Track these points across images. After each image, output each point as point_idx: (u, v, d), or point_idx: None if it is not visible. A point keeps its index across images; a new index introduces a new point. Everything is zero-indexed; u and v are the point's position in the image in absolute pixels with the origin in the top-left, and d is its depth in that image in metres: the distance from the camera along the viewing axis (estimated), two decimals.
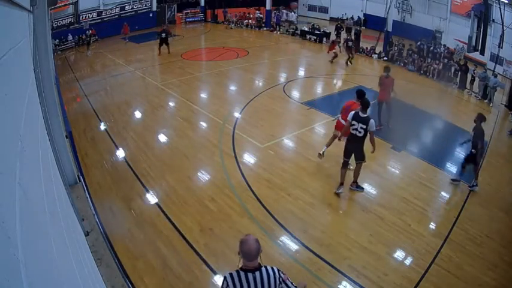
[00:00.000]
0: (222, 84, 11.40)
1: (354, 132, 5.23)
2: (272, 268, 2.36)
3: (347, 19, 21.16)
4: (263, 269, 2.32)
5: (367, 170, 6.37)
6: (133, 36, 17.78)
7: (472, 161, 5.83)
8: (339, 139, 6.05)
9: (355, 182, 5.60)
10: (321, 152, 6.18)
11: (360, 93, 5.85)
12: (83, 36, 17.14)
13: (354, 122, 5.19)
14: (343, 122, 5.92)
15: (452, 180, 6.04)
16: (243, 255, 2.31)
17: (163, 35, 14.14)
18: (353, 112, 5.24)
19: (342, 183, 5.53)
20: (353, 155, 5.44)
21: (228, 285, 2.28)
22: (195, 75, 12.04)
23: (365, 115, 5.15)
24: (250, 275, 2.29)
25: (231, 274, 2.31)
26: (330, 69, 13.65)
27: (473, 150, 5.74)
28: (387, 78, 7.71)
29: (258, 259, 2.31)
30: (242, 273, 2.30)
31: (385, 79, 7.73)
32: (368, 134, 5.16)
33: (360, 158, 5.42)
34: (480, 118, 5.75)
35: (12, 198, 0.99)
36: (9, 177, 1.03)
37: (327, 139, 7.42)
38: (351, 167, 5.71)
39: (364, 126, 5.12)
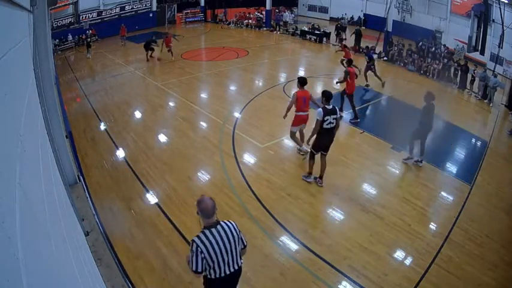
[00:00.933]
0: (222, 84, 11.40)
1: (327, 126, 5.26)
2: (228, 221, 2.69)
3: (342, 18, 21.21)
4: (222, 222, 2.63)
5: (367, 170, 6.38)
6: (133, 36, 17.78)
7: (419, 136, 6.31)
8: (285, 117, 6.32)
9: (322, 176, 5.73)
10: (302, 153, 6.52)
11: (303, 81, 6.21)
12: (83, 37, 17.14)
13: (326, 118, 5.20)
14: (302, 114, 6.24)
15: (404, 160, 6.50)
16: (202, 214, 2.58)
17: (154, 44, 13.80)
18: (320, 109, 5.23)
19: (311, 173, 5.77)
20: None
21: (198, 246, 2.50)
22: (195, 75, 12.05)
23: (331, 106, 5.26)
24: (214, 230, 2.57)
25: (198, 236, 2.57)
26: (330, 69, 13.65)
27: (421, 127, 6.20)
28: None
29: (215, 216, 2.60)
30: (207, 231, 2.57)
31: (352, 70, 8.20)
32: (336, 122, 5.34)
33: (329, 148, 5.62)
34: (429, 96, 6.13)
35: (12, 198, 0.99)
36: (9, 178, 1.03)
37: None
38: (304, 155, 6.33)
39: (335, 116, 5.26)
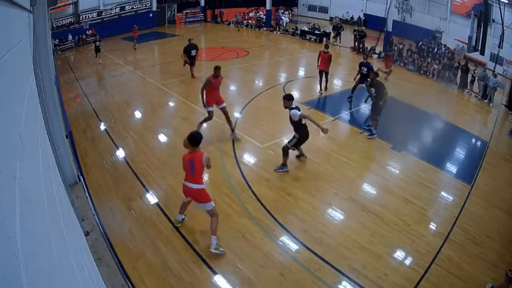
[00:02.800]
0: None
1: (304, 123, 5.78)
2: None
3: (335, 17, 21.25)
4: None
5: (367, 170, 6.38)
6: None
7: (375, 109, 7.19)
8: None
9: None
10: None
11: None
12: (82, 37, 17.12)
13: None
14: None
15: (364, 129, 7.56)
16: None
17: (97, 43, 13.30)
18: (296, 111, 5.63)
19: (285, 164, 6.08)
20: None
21: None
22: (195, 75, 12.03)
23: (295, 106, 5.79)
24: None
25: None
26: (330, 69, 13.62)
27: (381, 102, 7.03)
28: (326, 53, 9.50)
29: None
30: None
31: (324, 54, 9.51)
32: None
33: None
34: (374, 75, 7.34)
35: (12, 198, 0.99)
36: (9, 177, 1.03)
37: (327, 139, 7.44)
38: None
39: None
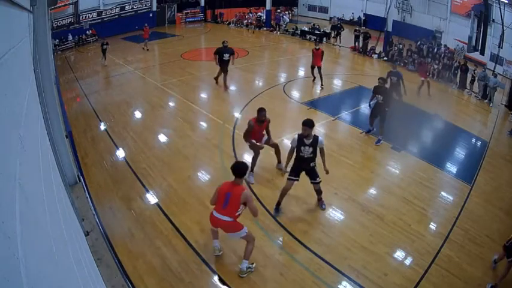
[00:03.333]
0: (222, 84, 11.39)
1: (302, 154, 4.84)
2: None
3: (333, 17, 21.28)
4: None
5: (367, 170, 6.38)
6: (133, 36, 17.78)
7: (382, 116, 7.11)
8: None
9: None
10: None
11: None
12: (84, 37, 17.10)
13: (302, 147, 4.82)
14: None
15: (366, 132, 7.53)
16: None
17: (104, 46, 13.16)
18: (296, 135, 4.79)
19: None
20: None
21: None
22: (195, 75, 12.05)
23: (310, 139, 4.80)
24: None
25: None
26: (329, 69, 13.65)
27: (386, 108, 7.00)
28: (317, 50, 10.35)
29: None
30: None
31: (315, 51, 10.38)
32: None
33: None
34: (383, 81, 7.26)
35: (12, 198, 0.99)
36: (9, 177, 1.03)
37: (327, 139, 7.42)
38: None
39: (311, 150, 4.84)
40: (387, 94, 7.13)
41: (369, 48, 15.59)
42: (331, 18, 21.40)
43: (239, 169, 3.72)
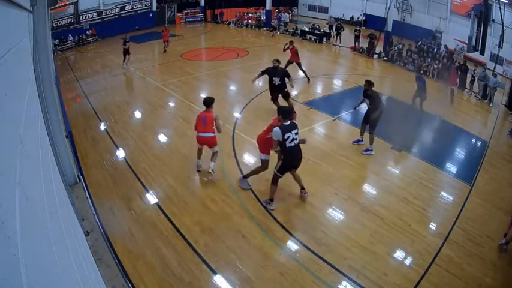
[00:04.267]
0: (222, 84, 11.39)
1: (291, 144, 4.73)
2: None
3: (330, 17, 21.28)
4: None
5: (367, 170, 6.38)
6: (133, 36, 17.76)
7: (370, 123, 6.60)
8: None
9: (303, 187, 5.30)
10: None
11: (206, 101, 5.74)
12: (84, 37, 17.06)
13: (286, 135, 4.69)
14: (200, 134, 5.75)
15: (353, 142, 7.03)
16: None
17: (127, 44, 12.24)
18: (277, 128, 4.68)
19: (273, 199, 5.13)
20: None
21: None
22: (195, 75, 12.04)
23: (288, 122, 4.77)
24: None
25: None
26: (329, 69, 13.65)
27: (374, 114, 6.45)
28: (291, 48, 10.88)
29: None
30: None
31: (291, 49, 10.90)
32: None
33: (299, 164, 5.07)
34: (368, 84, 6.59)
35: (12, 198, 0.99)
36: (9, 177, 1.03)
37: (327, 139, 7.43)
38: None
39: (296, 131, 4.80)
40: (374, 99, 6.55)
41: (376, 50, 15.34)
42: (330, 18, 21.38)
43: (206, 101, 5.76)
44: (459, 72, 11.89)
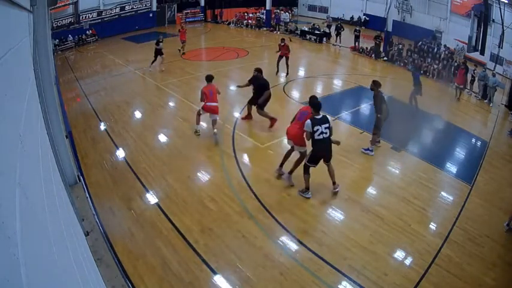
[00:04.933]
0: (222, 84, 11.32)
1: (319, 137, 5.05)
2: None
3: (328, 17, 21.29)
4: None
5: (367, 170, 6.38)
6: (133, 36, 17.78)
7: (375, 125, 6.66)
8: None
9: (335, 182, 5.48)
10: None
11: (208, 77, 7.20)
12: (84, 37, 17.04)
13: (316, 128, 5.02)
14: (210, 104, 6.97)
15: (365, 150, 6.81)
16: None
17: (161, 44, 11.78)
18: (308, 121, 5.04)
19: (308, 187, 5.40)
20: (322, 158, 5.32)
21: None
22: (195, 75, 12.04)
23: (320, 115, 5.11)
24: None
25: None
26: (329, 69, 13.65)
27: (378, 115, 6.55)
28: (283, 46, 11.43)
29: None
30: None
31: (281, 46, 11.48)
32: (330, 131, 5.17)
33: (331, 157, 5.36)
34: (375, 85, 6.51)
35: (12, 198, 0.99)
36: (9, 177, 1.03)
37: None
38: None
39: (327, 125, 5.08)
40: (378, 99, 6.55)
41: (366, 47, 15.40)
42: (332, 18, 21.37)
43: (209, 77, 7.22)
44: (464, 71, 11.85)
